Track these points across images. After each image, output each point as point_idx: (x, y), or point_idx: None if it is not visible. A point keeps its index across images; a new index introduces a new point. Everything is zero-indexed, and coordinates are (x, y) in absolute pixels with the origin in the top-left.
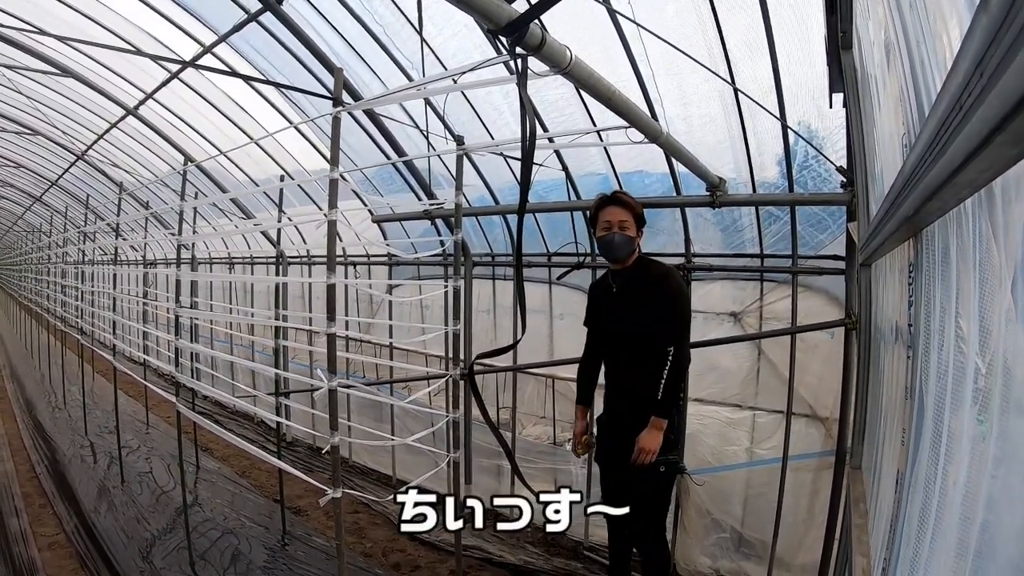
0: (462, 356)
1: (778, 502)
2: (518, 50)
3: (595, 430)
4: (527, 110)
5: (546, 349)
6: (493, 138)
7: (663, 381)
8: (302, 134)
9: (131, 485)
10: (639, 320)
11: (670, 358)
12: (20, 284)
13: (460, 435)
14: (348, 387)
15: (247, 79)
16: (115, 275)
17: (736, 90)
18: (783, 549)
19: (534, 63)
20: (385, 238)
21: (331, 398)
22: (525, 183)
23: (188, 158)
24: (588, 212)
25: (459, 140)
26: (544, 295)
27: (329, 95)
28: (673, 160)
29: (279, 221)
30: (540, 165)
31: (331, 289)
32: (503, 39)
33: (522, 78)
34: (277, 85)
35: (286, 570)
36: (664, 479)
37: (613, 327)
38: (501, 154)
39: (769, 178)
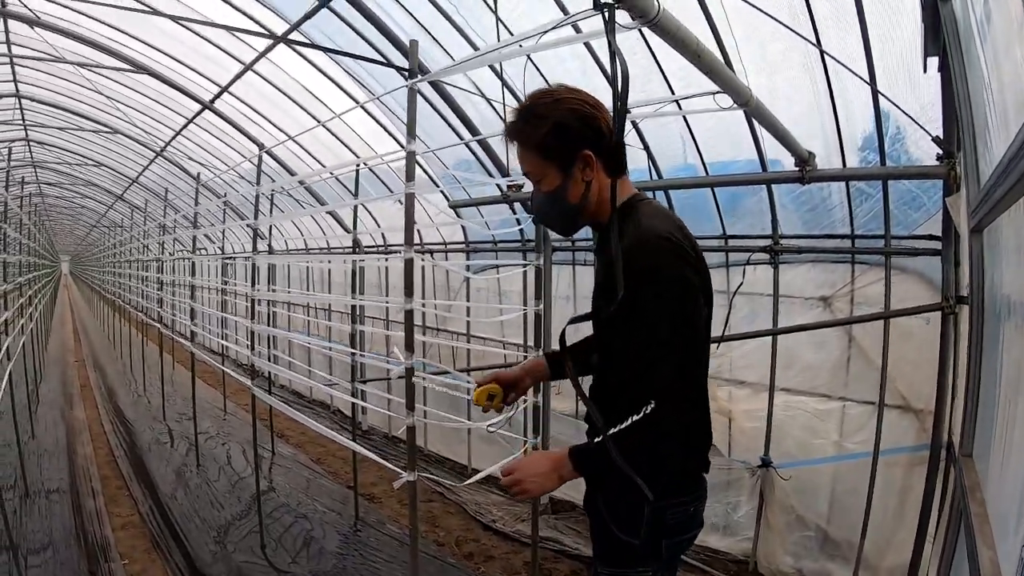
0: (542, 342)
1: (867, 499)
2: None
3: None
4: (618, 59)
5: None
6: None
7: (626, 425)
8: (373, 117)
9: (207, 470)
10: (600, 314)
11: (642, 413)
12: (103, 279)
13: (540, 421)
14: (424, 370)
15: (325, 50)
16: (193, 265)
17: (823, 52)
18: (870, 550)
19: (621, 16)
20: (463, 229)
21: (408, 377)
22: (620, 126)
23: (260, 145)
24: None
25: None
26: None
27: (400, 68)
28: (759, 137)
29: (354, 206)
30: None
31: (409, 264)
32: None
33: (610, 24)
34: (353, 56)
35: (358, 556)
36: None
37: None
38: None
39: (858, 159)
